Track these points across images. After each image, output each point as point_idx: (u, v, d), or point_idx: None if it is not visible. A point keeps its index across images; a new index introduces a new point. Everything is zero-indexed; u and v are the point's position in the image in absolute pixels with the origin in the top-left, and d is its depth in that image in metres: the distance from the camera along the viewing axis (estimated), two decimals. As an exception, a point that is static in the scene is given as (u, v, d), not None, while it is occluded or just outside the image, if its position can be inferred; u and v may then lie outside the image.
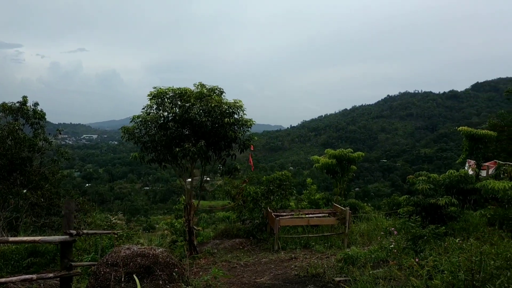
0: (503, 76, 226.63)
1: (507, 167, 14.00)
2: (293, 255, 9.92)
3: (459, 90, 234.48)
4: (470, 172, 16.21)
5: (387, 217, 14.63)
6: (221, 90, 11.18)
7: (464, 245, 7.40)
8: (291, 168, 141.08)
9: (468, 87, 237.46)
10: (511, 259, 5.03)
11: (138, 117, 10.95)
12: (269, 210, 11.85)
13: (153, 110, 10.91)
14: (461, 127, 14.33)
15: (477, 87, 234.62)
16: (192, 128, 10.66)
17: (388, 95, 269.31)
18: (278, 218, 10.73)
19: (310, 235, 11.27)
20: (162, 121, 10.91)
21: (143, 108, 11.00)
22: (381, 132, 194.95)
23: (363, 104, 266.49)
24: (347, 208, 10.98)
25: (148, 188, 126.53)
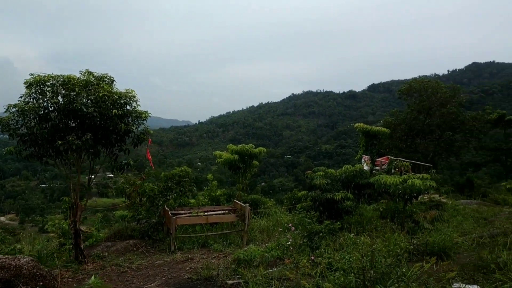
0: (396, 78, 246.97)
1: (398, 162, 14.81)
2: (189, 256, 9.37)
3: (357, 91, 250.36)
4: (365, 167, 16.99)
5: (288, 213, 14.72)
6: (112, 78, 10.19)
7: (358, 240, 7.47)
8: (199, 163, 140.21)
9: (365, 88, 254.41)
10: (401, 255, 5.02)
11: (15, 106, 9.54)
12: (166, 208, 11.15)
13: (32, 99, 9.59)
14: (357, 124, 14.90)
15: (373, 88, 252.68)
16: (78, 120, 9.57)
17: (292, 94, 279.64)
18: (174, 217, 10.09)
19: (208, 234, 10.80)
20: (42, 112, 9.64)
21: (21, 97, 9.63)
22: (286, 129, 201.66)
23: (269, 102, 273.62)
24: (247, 204, 10.69)
25: (45, 185, 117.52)
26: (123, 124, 9.58)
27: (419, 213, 9.67)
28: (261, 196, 16.83)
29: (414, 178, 9.07)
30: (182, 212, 11.28)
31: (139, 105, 10.32)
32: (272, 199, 17.76)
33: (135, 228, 11.91)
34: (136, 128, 10.39)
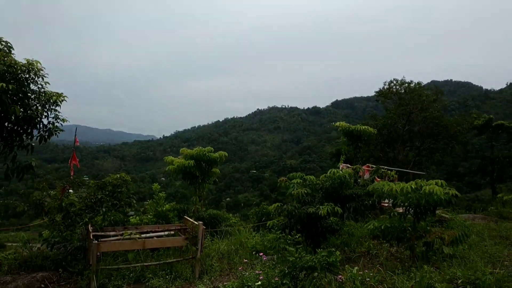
0: (358, 95, 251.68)
1: (384, 171, 12.40)
2: (113, 300, 6.41)
3: (321, 107, 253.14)
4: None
5: (255, 231, 11.96)
6: (9, 44, 7.23)
7: (367, 278, 4.80)
8: (163, 178, 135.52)
9: (328, 104, 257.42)
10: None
11: None
12: (90, 228, 8.12)
13: None
14: (338, 123, 12.41)
15: (336, 104, 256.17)
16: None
17: (258, 109, 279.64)
18: (95, 241, 7.09)
19: (146, 264, 7.82)
20: None
21: None
22: (251, 144, 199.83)
23: (235, 117, 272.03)
24: (200, 223, 7.78)
25: None
26: (17, 107, 6.61)
27: (432, 232, 7.15)
28: (223, 212, 13.90)
29: (429, 184, 6.52)
30: (112, 233, 8.26)
31: (47, 83, 7.38)
32: (236, 215, 14.85)
33: (48, 255, 8.77)
34: (45, 116, 7.45)
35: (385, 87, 29.12)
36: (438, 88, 29.87)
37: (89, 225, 8.38)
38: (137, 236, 7.77)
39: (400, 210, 10.65)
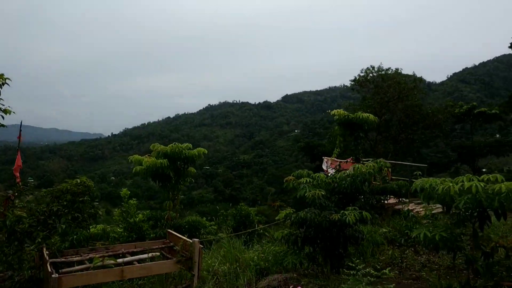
0: (307, 89, 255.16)
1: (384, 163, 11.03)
2: None
3: (271, 101, 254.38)
4: (331, 171, 13.10)
5: (237, 237, 10.24)
6: None
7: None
8: (113, 178, 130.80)
9: (279, 99, 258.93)
10: None
11: None
12: (45, 252, 6.08)
13: None
14: (335, 111, 10.90)
15: (286, 98, 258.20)
16: None
17: (209, 105, 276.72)
18: (55, 275, 5.10)
19: (126, 298, 5.91)
20: None
21: None
22: (203, 140, 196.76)
23: (186, 113, 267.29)
24: (196, 240, 5.94)
25: None
26: None
27: (492, 240, 5.80)
28: (196, 216, 12.01)
29: (495, 177, 5.13)
30: (76, 259, 6.23)
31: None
32: (213, 221, 12.91)
33: (-13, 290, 6.61)
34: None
35: (361, 74, 28.18)
36: (418, 77, 29.10)
37: (44, 248, 6.32)
38: (112, 262, 5.81)
39: (422, 211, 9.35)
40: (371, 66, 27.33)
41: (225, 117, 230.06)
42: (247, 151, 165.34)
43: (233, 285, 6.50)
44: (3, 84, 5.61)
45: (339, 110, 11.14)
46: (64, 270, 5.66)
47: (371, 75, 26.92)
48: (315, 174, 7.85)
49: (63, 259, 6.17)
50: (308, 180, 7.36)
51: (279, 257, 7.14)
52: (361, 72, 28.13)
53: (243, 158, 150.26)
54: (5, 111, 5.61)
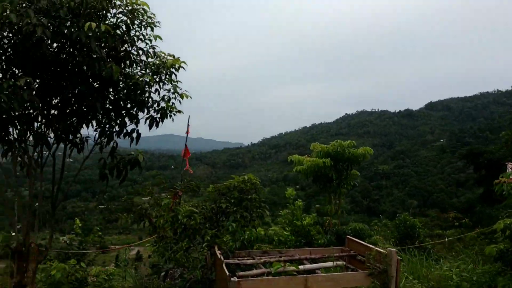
0: (454, 96, 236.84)
1: None
2: None
3: (413, 109, 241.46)
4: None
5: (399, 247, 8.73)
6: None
7: None
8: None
9: (422, 106, 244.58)
10: None
11: None
12: (218, 251, 5.56)
13: None
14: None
15: (430, 106, 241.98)
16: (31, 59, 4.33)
17: (346, 114, 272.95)
18: (234, 279, 4.45)
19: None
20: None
21: None
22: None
23: (322, 122, 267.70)
24: (393, 250, 4.82)
25: (103, 206, 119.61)
26: (114, 65, 4.14)
27: None
28: (362, 225, 10.78)
29: None
30: (249, 261, 5.57)
31: (158, 37, 4.91)
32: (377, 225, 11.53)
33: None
34: (156, 90, 5.03)
35: None
36: None
37: (216, 247, 5.81)
38: (293, 269, 4.98)
39: None
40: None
41: (362, 126, 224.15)
42: (386, 161, 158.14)
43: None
44: (179, 67, 5.25)
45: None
46: (240, 273, 5.02)
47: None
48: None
49: (236, 260, 5.57)
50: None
51: (486, 278, 5.64)
52: None
53: (382, 169, 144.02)
54: (182, 96, 5.23)
